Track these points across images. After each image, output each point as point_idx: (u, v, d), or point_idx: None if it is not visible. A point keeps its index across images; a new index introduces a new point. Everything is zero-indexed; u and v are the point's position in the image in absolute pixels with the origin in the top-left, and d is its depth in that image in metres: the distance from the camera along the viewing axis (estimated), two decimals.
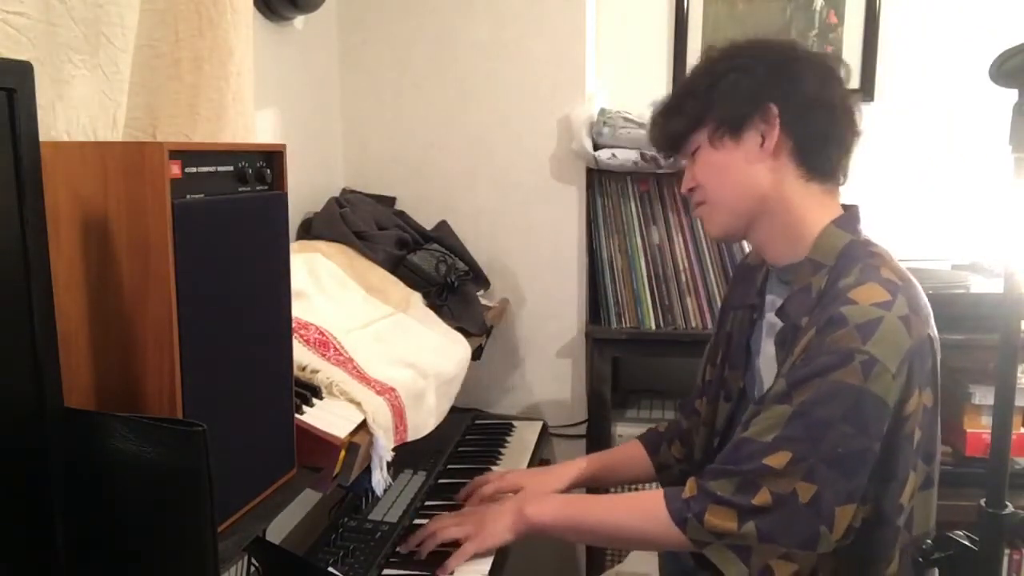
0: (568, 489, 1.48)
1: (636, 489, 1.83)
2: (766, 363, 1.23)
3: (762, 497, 1.04)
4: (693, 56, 2.14)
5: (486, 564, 1.21)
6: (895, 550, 1.10)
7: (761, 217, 1.19)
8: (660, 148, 1.31)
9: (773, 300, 1.23)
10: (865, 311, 1.05)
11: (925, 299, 1.12)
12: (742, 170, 1.17)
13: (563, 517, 1.20)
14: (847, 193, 1.24)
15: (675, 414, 2.00)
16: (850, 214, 1.19)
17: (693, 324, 1.84)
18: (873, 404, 1.04)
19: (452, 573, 1.19)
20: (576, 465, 1.47)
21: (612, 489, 1.75)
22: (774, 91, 1.15)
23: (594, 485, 1.57)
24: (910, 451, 1.09)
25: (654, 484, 1.49)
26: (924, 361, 1.08)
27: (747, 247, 1.79)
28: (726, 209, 1.21)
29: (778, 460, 1.04)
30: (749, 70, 1.16)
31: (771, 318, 1.23)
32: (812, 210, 1.17)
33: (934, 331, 1.12)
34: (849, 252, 1.13)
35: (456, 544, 1.20)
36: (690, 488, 1.10)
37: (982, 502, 0.96)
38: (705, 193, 1.22)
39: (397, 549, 1.27)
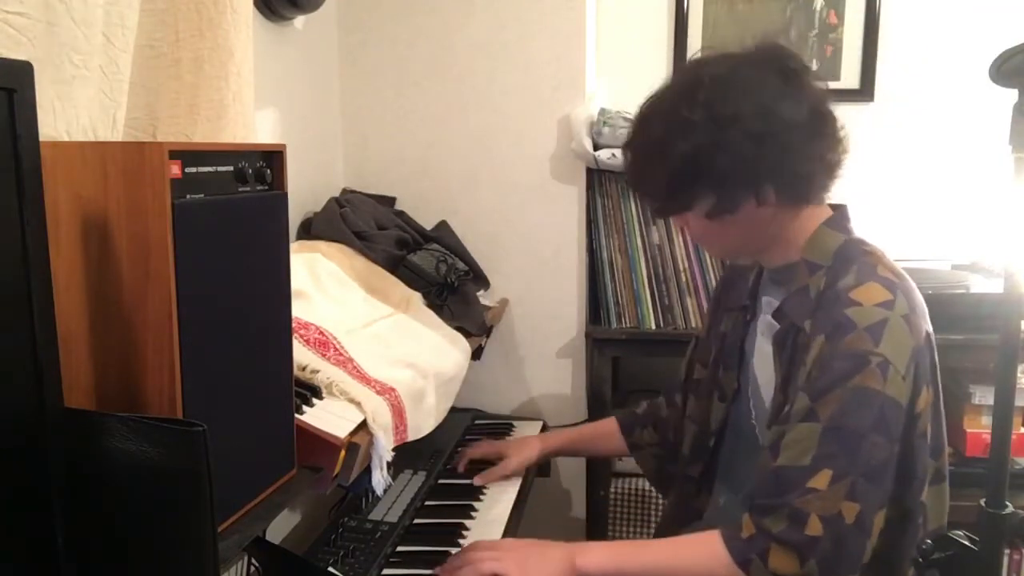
0: (548, 455, 1.58)
1: (613, 460, 1.94)
2: (762, 362, 1.24)
3: (813, 526, 1.03)
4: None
5: None
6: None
7: (763, 247, 1.22)
8: (648, 212, 1.32)
9: (769, 301, 1.24)
10: (870, 312, 1.06)
11: (919, 294, 1.13)
12: (742, 232, 1.17)
13: (616, 565, 1.15)
14: (846, 195, 1.23)
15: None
16: (840, 214, 1.20)
17: (693, 324, 1.84)
18: (892, 408, 1.05)
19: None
20: (555, 435, 1.62)
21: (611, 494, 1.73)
22: (766, 172, 1.10)
23: (571, 454, 1.71)
24: (925, 448, 1.10)
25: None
26: (925, 359, 1.10)
27: None
28: (731, 254, 1.30)
29: (820, 481, 1.04)
30: (736, 149, 1.07)
31: (767, 319, 1.23)
32: (805, 221, 1.18)
33: (930, 326, 1.13)
34: (844, 252, 1.14)
35: None
36: (747, 527, 1.07)
37: (982, 502, 0.96)
38: (710, 246, 1.28)
39: (399, 549, 1.27)
